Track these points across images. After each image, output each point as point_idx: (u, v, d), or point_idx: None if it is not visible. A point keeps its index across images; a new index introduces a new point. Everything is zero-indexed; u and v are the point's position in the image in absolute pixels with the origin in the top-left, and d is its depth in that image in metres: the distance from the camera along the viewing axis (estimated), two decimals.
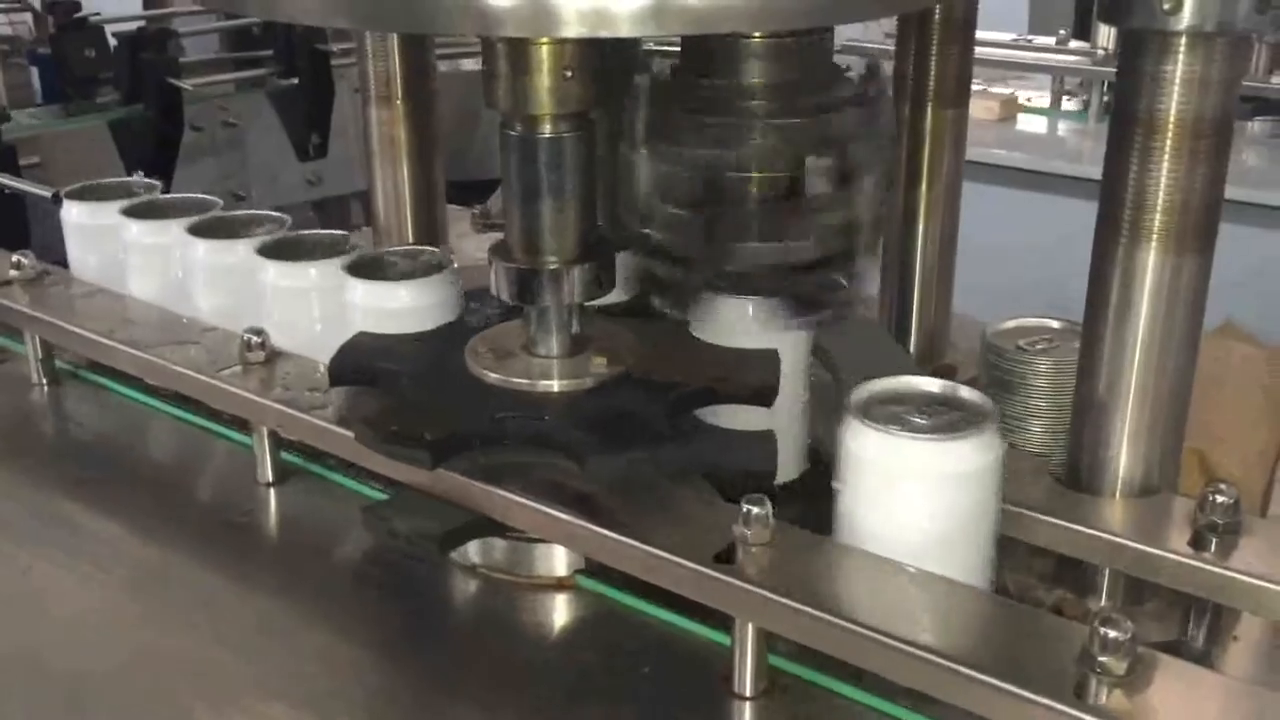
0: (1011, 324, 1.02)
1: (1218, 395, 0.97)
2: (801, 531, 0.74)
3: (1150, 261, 0.74)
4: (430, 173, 1.16)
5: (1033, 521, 0.78)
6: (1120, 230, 0.75)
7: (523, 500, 0.79)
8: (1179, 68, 0.71)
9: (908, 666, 0.64)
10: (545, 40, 0.75)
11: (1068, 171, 2.09)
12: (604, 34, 0.58)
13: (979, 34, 2.69)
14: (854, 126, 0.86)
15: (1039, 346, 0.97)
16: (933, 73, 1.09)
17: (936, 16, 1.06)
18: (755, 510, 0.72)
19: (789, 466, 0.93)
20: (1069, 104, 2.46)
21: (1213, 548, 0.72)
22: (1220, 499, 0.73)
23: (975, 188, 2.18)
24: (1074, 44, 2.41)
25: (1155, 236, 0.74)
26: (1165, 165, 0.72)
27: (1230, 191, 2.05)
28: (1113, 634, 0.59)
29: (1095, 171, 2.08)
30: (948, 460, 0.71)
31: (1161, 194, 0.73)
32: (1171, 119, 0.72)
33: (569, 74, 0.79)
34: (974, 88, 2.46)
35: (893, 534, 0.72)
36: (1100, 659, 0.60)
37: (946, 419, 0.74)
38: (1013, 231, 2.08)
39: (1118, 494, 0.78)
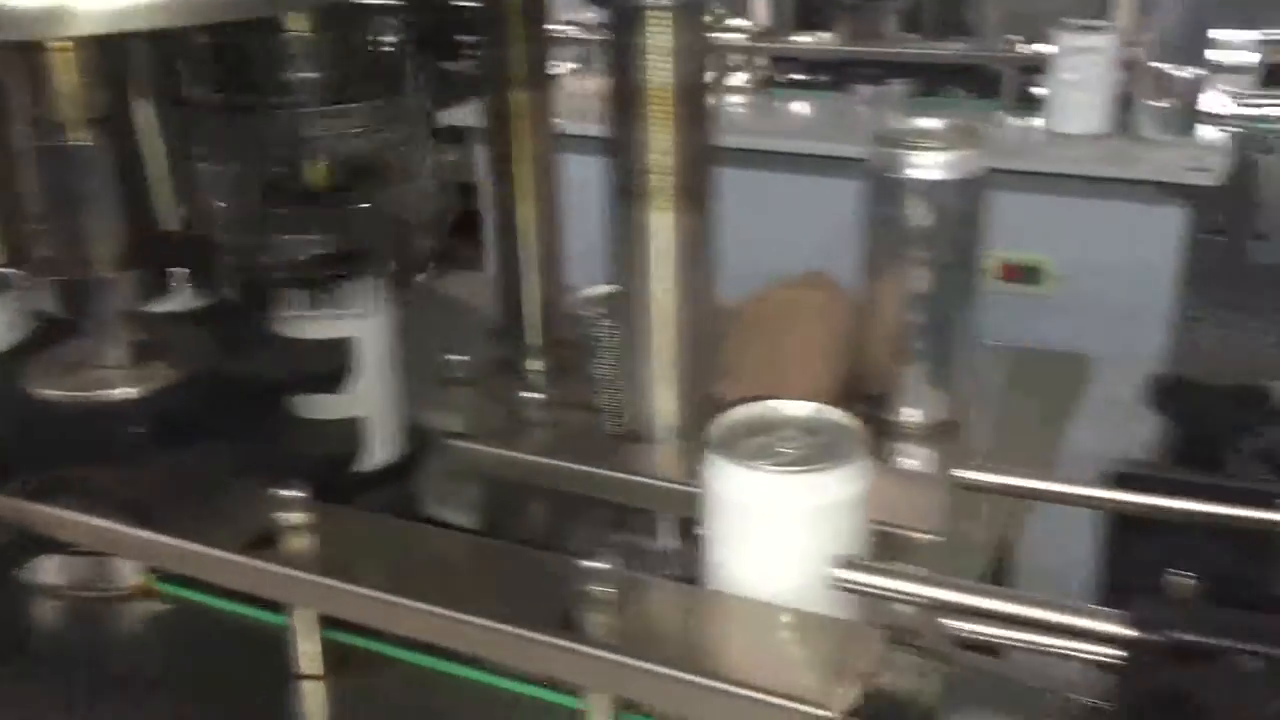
0: (601, 290, 1.08)
1: (779, 340, 1.05)
2: (347, 511, 0.76)
3: (652, 220, 0.80)
4: None
5: (587, 476, 0.83)
6: (627, 193, 0.80)
7: (71, 515, 0.78)
8: (655, 38, 0.77)
9: (433, 626, 0.67)
10: (57, 45, 0.75)
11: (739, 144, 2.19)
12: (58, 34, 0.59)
13: None
14: (396, 116, 0.89)
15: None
16: (513, 57, 1.13)
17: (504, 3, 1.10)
18: (290, 495, 0.73)
19: (384, 450, 0.95)
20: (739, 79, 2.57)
21: None
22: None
23: None
24: (735, 21, 2.52)
25: (656, 196, 0.79)
26: (656, 130, 0.78)
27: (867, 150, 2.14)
28: (599, 565, 0.64)
29: (745, 141, 2.15)
30: (819, 493, 0.65)
31: (656, 157, 0.79)
32: (656, 86, 0.77)
33: (89, 79, 0.78)
34: None
35: (769, 577, 0.66)
36: (588, 589, 0.64)
37: (813, 445, 0.69)
38: None
39: (656, 440, 0.83)
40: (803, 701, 0.56)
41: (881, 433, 1.05)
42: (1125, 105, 1.95)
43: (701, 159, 0.80)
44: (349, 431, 0.92)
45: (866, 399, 1.07)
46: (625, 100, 0.78)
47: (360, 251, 0.87)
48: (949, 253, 1.00)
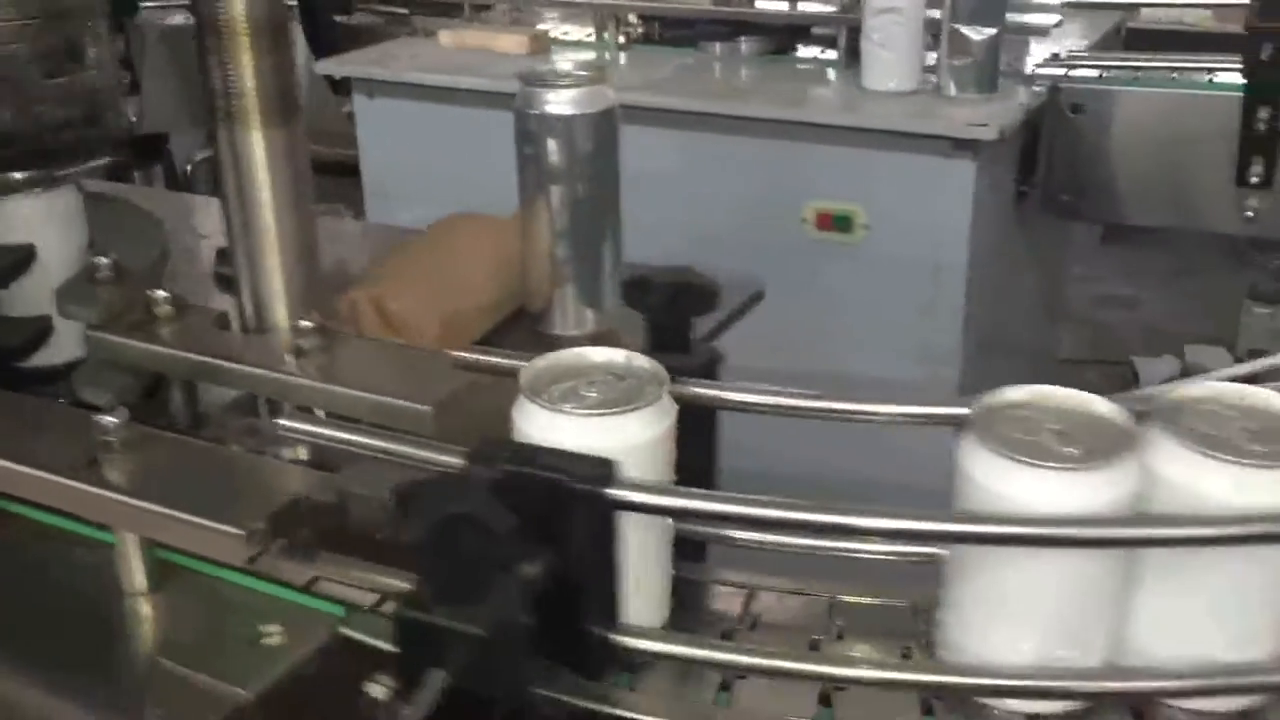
0: None
1: (449, 256, 1.17)
2: None
3: (247, 138, 0.92)
4: None
5: (197, 363, 0.95)
6: (220, 116, 0.92)
7: None
8: None
9: None
10: None
11: None
12: None
13: None
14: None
15: None
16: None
17: None
18: None
19: (71, 347, 1.07)
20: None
21: (302, 365, 0.91)
22: (306, 325, 0.91)
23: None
24: None
25: (246, 118, 0.91)
26: (241, 58, 0.90)
27: (723, 106, 2.25)
28: (107, 419, 0.77)
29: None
30: (618, 434, 0.68)
31: (242, 82, 0.90)
32: (234, 20, 0.89)
33: None
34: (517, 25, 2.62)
35: None
36: (103, 439, 0.77)
37: (617, 389, 0.71)
38: None
39: (263, 332, 0.96)
40: (225, 523, 0.69)
41: (546, 346, 1.17)
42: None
43: (285, 83, 0.91)
44: (30, 327, 1.04)
45: (530, 316, 1.19)
46: (213, 32, 0.90)
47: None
48: (586, 181, 1.11)
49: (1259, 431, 0.64)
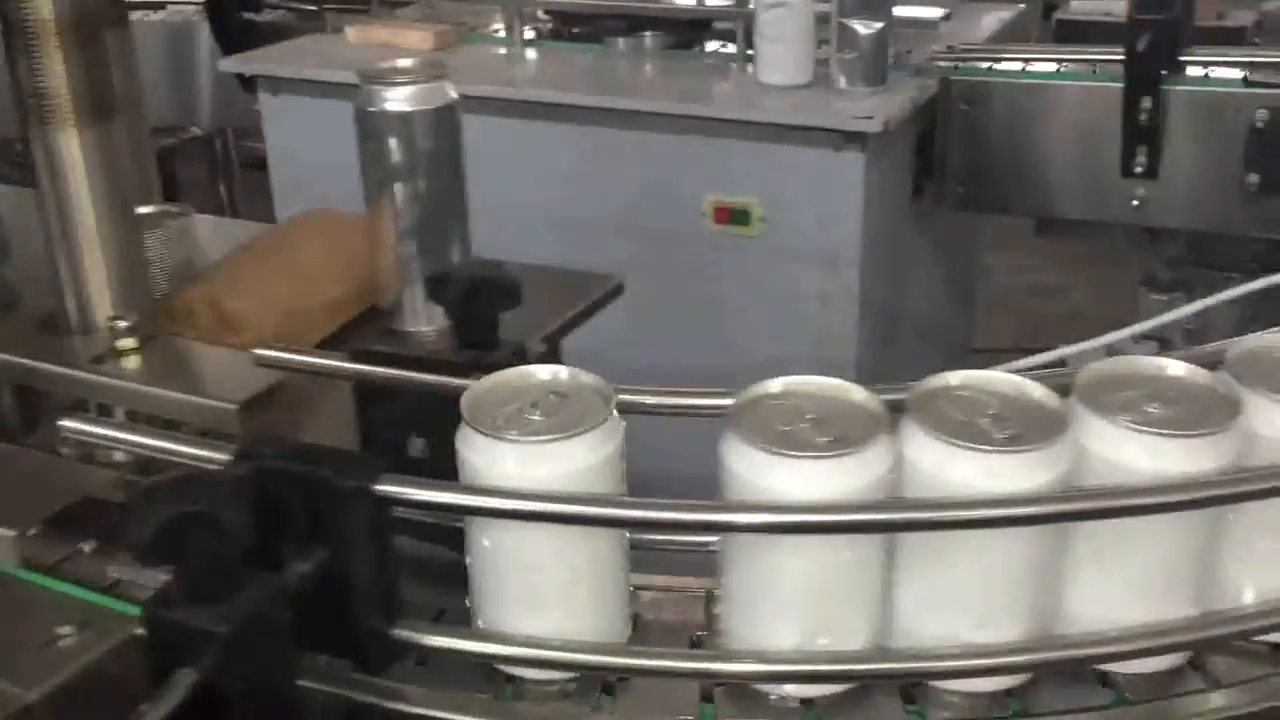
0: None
1: (292, 255, 1.17)
2: None
3: (60, 139, 0.91)
4: None
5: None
6: (32, 118, 0.91)
7: None
8: None
9: None
10: None
11: (489, 94, 2.28)
12: None
13: None
14: None
15: None
16: None
17: None
18: None
19: None
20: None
21: (116, 367, 0.90)
22: (121, 324, 0.91)
23: None
24: None
25: (59, 118, 0.91)
26: (50, 59, 0.89)
27: (623, 101, 2.26)
28: None
29: (510, 92, 2.25)
30: (567, 460, 0.65)
31: (53, 82, 0.90)
32: (40, 20, 0.89)
33: None
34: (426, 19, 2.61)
35: (531, 546, 0.67)
36: None
37: (563, 410, 0.68)
38: None
39: (80, 333, 0.95)
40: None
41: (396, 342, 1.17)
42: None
43: (97, 82, 0.91)
44: None
45: (381, 313, 1.19)
46: (19, 33, 0.89)
47: None
48: (428, 177, 1.11)
49: (1008, 418, 0.65)
